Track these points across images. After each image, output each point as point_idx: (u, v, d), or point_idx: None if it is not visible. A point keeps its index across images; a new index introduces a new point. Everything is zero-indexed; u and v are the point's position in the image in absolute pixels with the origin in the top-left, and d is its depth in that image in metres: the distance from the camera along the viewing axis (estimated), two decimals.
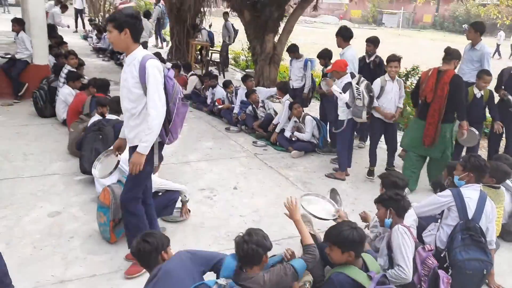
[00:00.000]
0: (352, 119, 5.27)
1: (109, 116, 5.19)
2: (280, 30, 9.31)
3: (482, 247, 3.22)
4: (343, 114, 5.26)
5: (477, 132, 5.30)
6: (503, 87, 5.75)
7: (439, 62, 5.18)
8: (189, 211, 4.22)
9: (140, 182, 3.17)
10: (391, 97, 5.38)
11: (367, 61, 6.42)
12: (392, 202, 3.04)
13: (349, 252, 2.58)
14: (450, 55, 4.83)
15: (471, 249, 3.19)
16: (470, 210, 3.30)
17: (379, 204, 3.13)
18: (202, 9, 13.40)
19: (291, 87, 7.20)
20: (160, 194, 3.99)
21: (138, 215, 3.22)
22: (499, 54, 22.55)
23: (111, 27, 2.93)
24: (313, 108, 8.02)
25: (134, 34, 2.95)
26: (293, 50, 7.26)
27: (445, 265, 3.20)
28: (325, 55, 6.44)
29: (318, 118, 6.68)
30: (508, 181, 4.10)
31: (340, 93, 5.08)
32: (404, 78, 7.98)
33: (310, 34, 28.17)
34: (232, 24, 12.74)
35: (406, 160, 5.23)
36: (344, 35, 5.89)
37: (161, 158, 3.21)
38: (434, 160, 5.10)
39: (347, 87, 5.14)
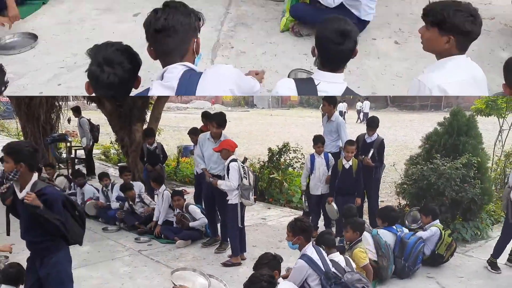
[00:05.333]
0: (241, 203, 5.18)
1: None
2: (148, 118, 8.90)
3: (345, 286, 3.65)
4: (234, 198, 5.15)
5: (335, 208, 5.69)
6: (359, 152, 6.08)
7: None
8: None
9: None
10: None
11: None
12: None
13: None
14: (207, 117, 6.72)
15: None
16: (321, 264, 3.69)
17: None
18: (56, 103, 11.27)
19: None
20: None
21: None
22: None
23: None
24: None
25: None
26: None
27: None
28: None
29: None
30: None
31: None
32: (277, 156, 8.17)
33: (184, 120, 28.12)
34: (89, 120, 10.35)
35: None
36: None
37: None
38: None
39: (233, 165, 5.07)
